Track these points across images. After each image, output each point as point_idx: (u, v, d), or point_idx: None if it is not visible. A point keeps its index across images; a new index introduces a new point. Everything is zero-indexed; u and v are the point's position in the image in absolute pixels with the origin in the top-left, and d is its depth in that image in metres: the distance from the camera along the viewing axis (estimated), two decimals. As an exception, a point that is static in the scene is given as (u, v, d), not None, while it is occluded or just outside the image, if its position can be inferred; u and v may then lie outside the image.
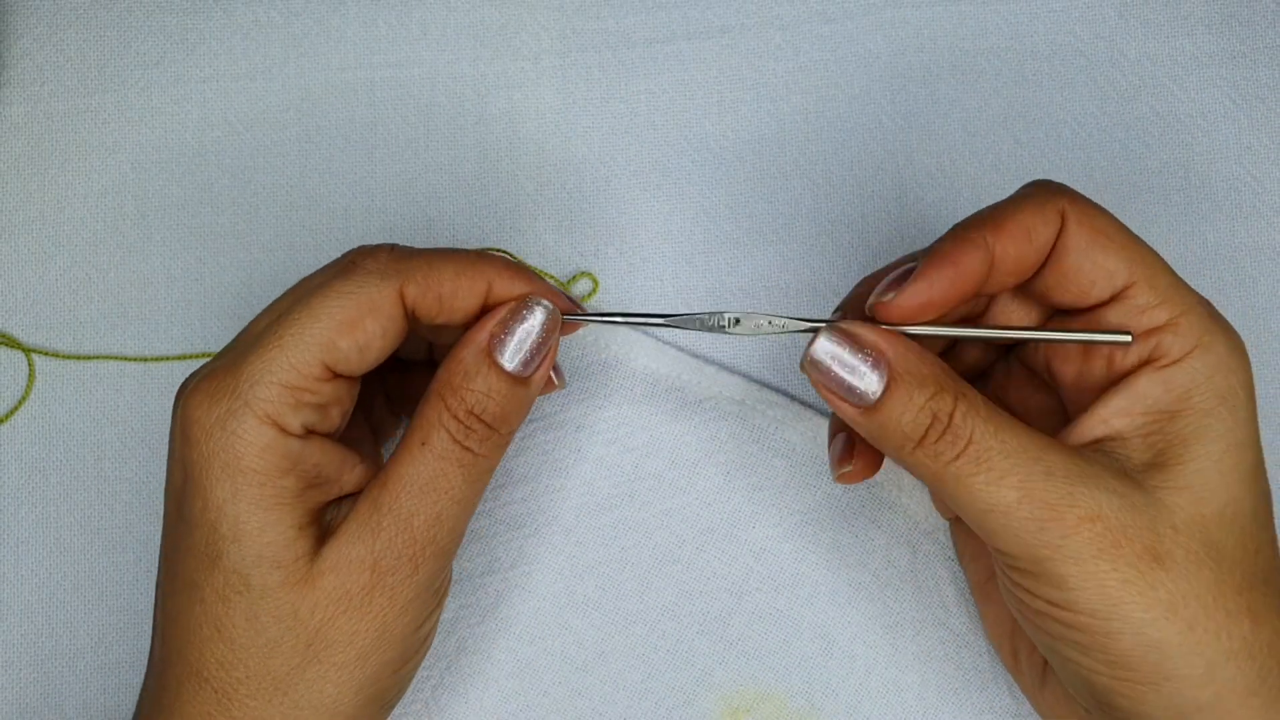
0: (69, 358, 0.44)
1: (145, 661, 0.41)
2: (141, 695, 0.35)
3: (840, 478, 0.37)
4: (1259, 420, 0.43)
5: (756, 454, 0.42)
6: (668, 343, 0.43)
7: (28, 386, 0.44)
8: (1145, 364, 0.33)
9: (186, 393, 0.32)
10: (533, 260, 0.44)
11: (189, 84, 0.45)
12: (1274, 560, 0.32)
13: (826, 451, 0.42)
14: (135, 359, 0.44)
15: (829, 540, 0.42)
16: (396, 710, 0.41)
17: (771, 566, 0.42)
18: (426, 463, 0.32)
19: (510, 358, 0.33)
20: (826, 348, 0.32)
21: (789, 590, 0.42)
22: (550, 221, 0.45)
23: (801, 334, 0.34)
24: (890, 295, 0.32)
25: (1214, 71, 0.45)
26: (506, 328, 0.33)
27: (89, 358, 0.44)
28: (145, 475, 0.43)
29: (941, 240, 0.33)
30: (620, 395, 0.43)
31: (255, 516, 0.31)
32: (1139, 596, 0.30)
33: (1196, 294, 0.33)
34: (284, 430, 0.31)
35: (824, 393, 0.33)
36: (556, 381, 0.37)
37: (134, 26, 0.46)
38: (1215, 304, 0.44)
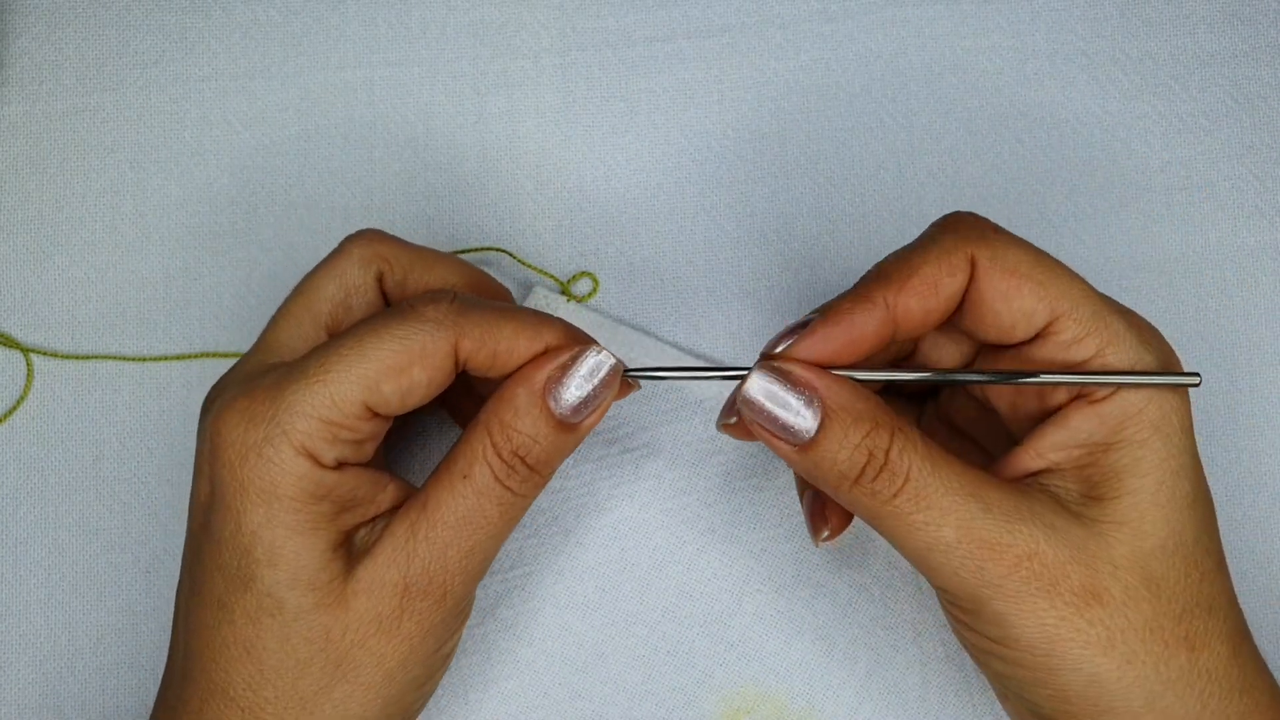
0: (67, 357, 0.44)
1: (144, 661, 0.41)
2: (158, 707, 0.34)
3: (821, 543, 0.37)
4: (1266, 422, 0.43)
5: (757, 455, 0.42)
6: (668, 343, 0.43)
7: (26, 386, 0.44)
8: (1078, 398, 0.32)
9: (220, 408, 0.32)
10: (533, 260, 0.44)
11: (188, 83, 0.45)
12: (1219, 584, 0.32)
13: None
14: (134, 359, 0.44)
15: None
16: (396, 711, 0.41)
17: (772, 567, 0.42)
18: (466, 497, 0.32)
19: (564, 404, 0.32)
20: (760, 385, 0.32)
21: (790, 591, 0.42)
22: (550, 221, 0.44)
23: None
24: (782, 347, 0.32)
25: (1216, 70, 0.45)
26: (565, 372, 0.33)
27: (87, 357, 0.44)
28: (144, 475, 0.43)
29: (842, 296, 0.33)
30: (620, 395, 0.43)
31: (291, 541, 0.31)
32: (1076, 634, 0.31)
33: (1126, 319, 0.33)
34: (318, 463, 0.31)
35: (759, 432, 0.32)
36: (633, 384, 0.36)
37: (133, 25, 0.46)
38: (1217, 304, 0.44)
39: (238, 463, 0.31)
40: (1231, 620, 0.32)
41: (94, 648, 0.42)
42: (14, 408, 0.43)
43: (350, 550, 0.32)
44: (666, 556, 0.42)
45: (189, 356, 0.44)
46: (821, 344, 0.32)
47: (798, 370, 0.32)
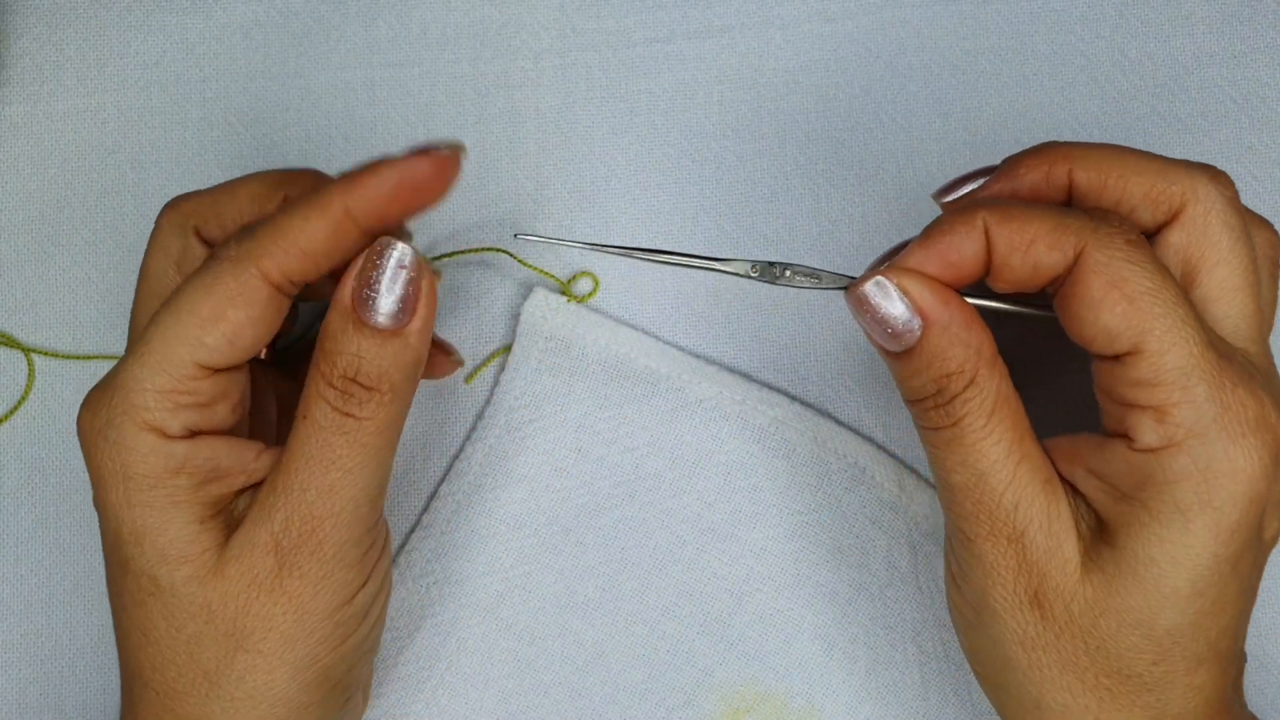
0: (69, 357, 0.44)
1: (144, 662, 0.42)
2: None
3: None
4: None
5: (756, 454, 0.42)
6: (668, 343, 0.43)
7: (27, 386, 0.44)
8: (1122, 434, 0.30)
9: (80, 407, 0.32)
10: (533, 260, 0.44)
11: (189, 83, 0.45)
12: (1179, 679, 0.30)
13: (825, 451, 0.42)
14: (135, 359, 0.44)
15: (830, 541, 0.42)
16: (396, 711, 0.41)
17: (772, 567, 0.42)
18: (309, 435, 0.31)
19: (375, 311, 0.31)
20: (874, 291, 0.32)
21: (790, 591, 0.42)
22: (550, 221, 0.44)
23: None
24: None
25: (1215, 71, 0.45)
26: (364, 280, 0.31)
27: (89, 357, 0.44)
28: (145, 475, 0.43)
29: (938, 219, 0.32)
30: (620, 395, 0.43)
31: (150, 518, 0.31)
32: (1010, 618, 0.31)
33: (1225, 394, 0.29)
34: (165, 435, 0.31)
35: (862, 322, 0.32)
36: (452, 355, 0.36)
37: (134, 26, 0.46)
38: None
39: (92, 450, 0.31)
40: (1173, 713, 0.31)
41: (94, 648, 0.42)
42: (15, 408, 0.43)
43: (229, 522, 0.32)
44: (667, 556, 0.42)
45: (189, 356, 0.44)
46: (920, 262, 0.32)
47: (914, 289, 0.31)
